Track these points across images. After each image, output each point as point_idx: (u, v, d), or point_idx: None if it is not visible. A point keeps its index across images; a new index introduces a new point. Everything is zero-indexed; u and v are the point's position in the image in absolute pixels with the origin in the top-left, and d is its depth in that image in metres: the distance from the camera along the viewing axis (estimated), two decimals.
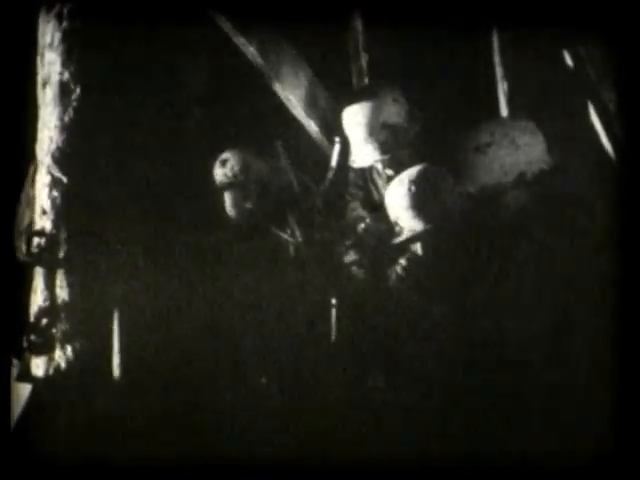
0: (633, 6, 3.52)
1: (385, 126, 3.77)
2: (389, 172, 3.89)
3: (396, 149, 3.79)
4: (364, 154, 3.83)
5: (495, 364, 3.28)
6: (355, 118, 3.81)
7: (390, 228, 3.63)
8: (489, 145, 3.45)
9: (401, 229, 3.57)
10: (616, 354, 3.18)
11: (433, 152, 3.68)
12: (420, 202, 3.51)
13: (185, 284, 3.77)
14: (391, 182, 3.66)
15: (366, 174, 4.00)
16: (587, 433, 3.17)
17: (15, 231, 3.78)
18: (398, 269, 3.61)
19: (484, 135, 3.48)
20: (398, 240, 3.56)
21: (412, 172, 3.57)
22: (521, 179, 3.45)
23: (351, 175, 4.04)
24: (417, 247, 3.58)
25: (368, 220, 3.89)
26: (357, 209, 4.01)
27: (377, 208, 3.87)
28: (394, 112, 3.78)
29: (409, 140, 3.81)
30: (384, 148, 3.79)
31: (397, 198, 3.56)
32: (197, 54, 4.03)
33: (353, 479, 3.41)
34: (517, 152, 3.46)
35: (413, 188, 3.52)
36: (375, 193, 3.99)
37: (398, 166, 3.82)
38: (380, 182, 3.95)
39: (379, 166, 3.90)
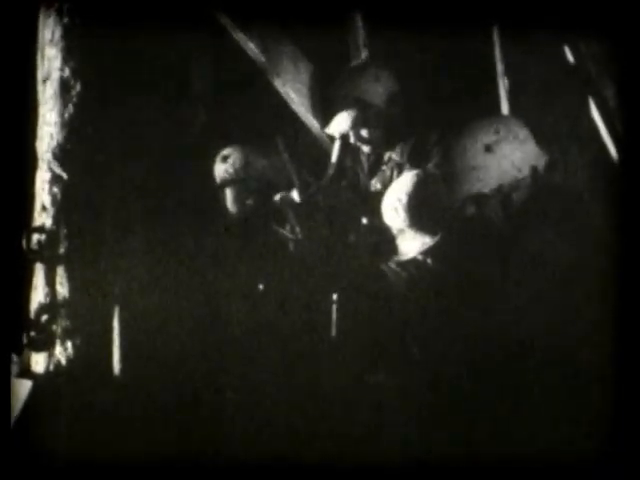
0: (634, 2, 3.51)
1: (358, 101, 3.79)
2: (365, 149, 3.96)
3: (366, 126, 3.85)
4: (336, 122, 3.87)
5: (496, 363, 3.27)
6: (336, 87, 3.87)
7: (391, 240, 3.60)
8: (497, 143, 3.41)
9: (406, 245, 3.54)
10: (616, 353, 3.18)
11: (439, 154, 3.66)
12: (421, 218, 3.47)
13: (185, 280, 3.77)
14: (386, 193, 3.63)
15: (354, 156, 4.03)
16: (587, 433, 3.16)
17: None
18: (398, 267, 3.60)
19: (490, 134, 3.44)
20: (405, 258, 3.54)
21: (407, 185, 3.52)
22: (535, 173, 3.42)
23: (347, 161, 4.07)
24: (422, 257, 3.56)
25: (368, 218, 3.89)
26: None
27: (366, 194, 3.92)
28: (372, 90, 3.80)
29: (385, 122, 3.84)
30: (353, 122, 3.83)
31: (396, 215, 3.51)
32: (198, 51, 4.03)
33: (353, 479, 3.41)
34: (523, 147, 3.43)
35: (412, 204, 3.48)
36: (361, 174, 4.01)
37: (373, 146, 3.91)
38: (364, 159, 3.98)
39: (352, 140, 3.92)
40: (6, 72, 3.74)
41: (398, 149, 3.86)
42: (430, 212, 3.48)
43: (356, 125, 3.85)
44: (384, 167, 3.92)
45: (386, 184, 3.79)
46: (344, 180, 4.03)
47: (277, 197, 3.96)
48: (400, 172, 3.81)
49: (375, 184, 3.94)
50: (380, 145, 3.91)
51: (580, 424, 3.18)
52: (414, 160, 3.77)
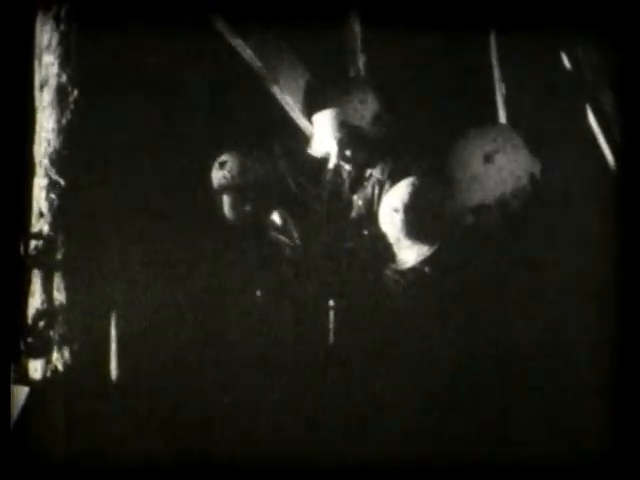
0: (631, 8, 3.52)
1: (344, 125, 3.79)
2: (347, 167, 3.92)
3: (349, 148, 3.83)
4: (321, 145, 3.88)
5: (495, 365, 3.28)
6: (323, 109, 3.87)
7: (389, 248, 3.60)
8: (496, 152, 3.40)
9: (403, 254, 3.54)
10: (616, 355, 3.18)
11: (436, 163, 3.66)
12: (418, 227, 3.47)
13: (182, 286, 3.77)
14: (383, 201, 3.63)
15: (335, 172, 4.03)
16: (587, 433, 3.17)
17: None
18: (396, 275, 3.60)
19: (489, 143, 3.43)
20: (403, 267, 3.54)
21: (404, 193, 3.52)
22: (533, 180, 3.41)
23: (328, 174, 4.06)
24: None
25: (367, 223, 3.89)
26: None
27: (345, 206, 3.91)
28: (357, 114, 3.80)
29: (369, 143, 3.82)
30: (340, 145, 3.85)
31: (392, 223, 3.51)
32: (195, 57, 4.02)
33: (353, 479, 3.41)
34: (521, 154, 3.43)
35: (409, 213, 3.48)
36: (344, 191, 4.01)
37: (357, 166, 3.89)
38: (345, 176, 3.98)
39: (335, 160, 3.91)
40: (3, 78, 3.73)
41: (379, 167, 3.86)
42: (427, 221, 3.48)
43: (341, 147, 3.85)
44: (365, 183, 3.92)
45: (368, 200, 3.82)
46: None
47: (274, 203, 3.96)
48: (382, 189, 3.81)
49: (357, 200, 3.94)
50: (362, 164, 3.90)
51: (580, 427, 3.19)
52: (395, 178, 3.76)
